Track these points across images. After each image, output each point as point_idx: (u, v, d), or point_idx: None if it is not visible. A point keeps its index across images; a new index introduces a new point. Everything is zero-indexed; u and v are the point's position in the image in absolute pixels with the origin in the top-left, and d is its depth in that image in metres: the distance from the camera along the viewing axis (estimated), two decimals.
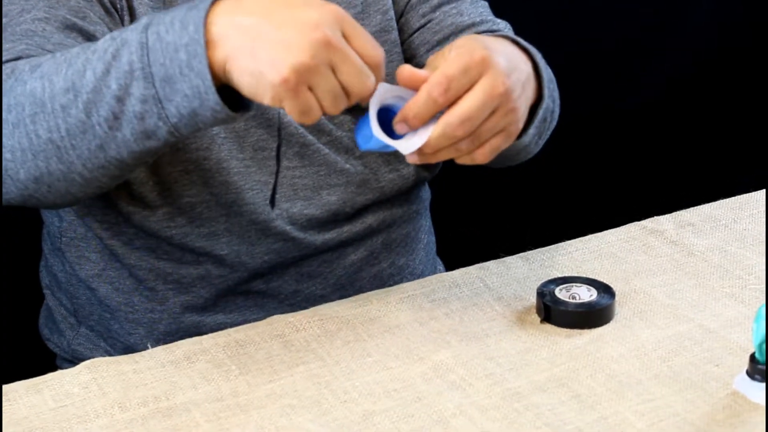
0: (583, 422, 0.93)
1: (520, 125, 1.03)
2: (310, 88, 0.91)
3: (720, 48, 2.15)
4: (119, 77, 0.94)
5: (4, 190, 1.03)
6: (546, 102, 1.11)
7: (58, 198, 1.04)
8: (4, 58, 1.04)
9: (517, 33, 1.22)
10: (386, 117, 0.98)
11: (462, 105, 0.96)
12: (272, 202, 1.19)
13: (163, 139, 0.97)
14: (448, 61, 0.97)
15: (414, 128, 0.97)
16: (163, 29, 0.93)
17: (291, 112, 0.92)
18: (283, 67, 0.89)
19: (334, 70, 0.91)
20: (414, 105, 0.96)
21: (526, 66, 1.05)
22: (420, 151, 0.99)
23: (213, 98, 0.93)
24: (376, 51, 0.93)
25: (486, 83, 0.97)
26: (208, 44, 0.91)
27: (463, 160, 1.01)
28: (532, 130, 1.11)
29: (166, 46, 0.93)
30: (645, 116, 2.13)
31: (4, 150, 1.00)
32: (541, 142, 1.20)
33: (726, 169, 2.16)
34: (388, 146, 0.98)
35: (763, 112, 2.15)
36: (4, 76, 1.01)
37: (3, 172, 1.01)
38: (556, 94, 1.19)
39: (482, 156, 1.00)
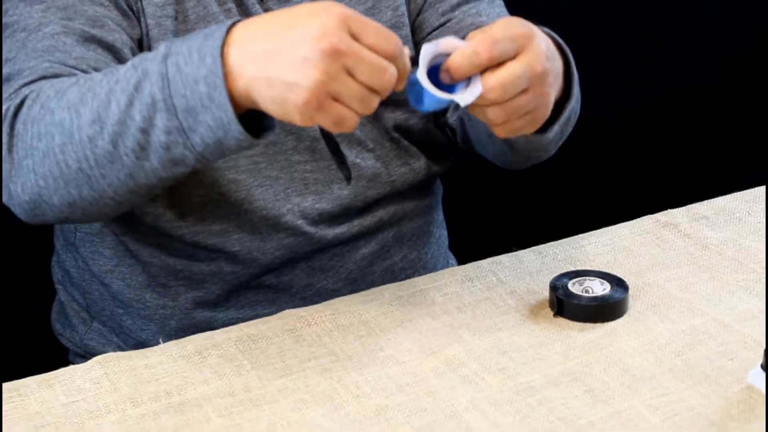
0: (597, 417, 0.93)
1: (547, 113, 1.03)
2: (336, 99, 0.91)
3: (735, 40, 2.14)
4: (142, 109, 0.95)
5: (40, 213, 1.05)
6: (573, 101, 1.11)
7: (93, 218, 1.07)
8: (29, 78, 1.05)
9: None
10: (434, 74, 0.97)
11: (502, 70, 0.96)
12: (348, 178, 1.20)
13: (191, 165, 0.98)
14: (495, 27, 0.97)
15: (455, 79, 0.97)
16: (181, 60, 0.94)
17: (326, 126, 0.92)
18: (300, 89, 0.90)
19: (351, 75, 0.91)
20: (458, 56, 0.96)
21: (558, 62, 1.05)
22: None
23: (236, 129, 0.93)
24: (389, 42, 0.92)
25: (527, 58, 0.97)
26: (226, 75, 0.92)
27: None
28: (556, 127, 1.11)
29: (185, 78, 0.93)
30: (659, 109, 2.13)
31: (37, 177, 1.02)
32: (559, 144, 1.20)
33: (740, 161, 2.16)
34: (442, 101, 0.97)
35: None
36: (29, 101, 1.02)
37: (38, 197, 1.03)
38: (579, 97, 1.19)
39: (501, 131, 1.00)
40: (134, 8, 1.14)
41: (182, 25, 1.15)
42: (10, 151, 1.02)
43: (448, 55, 0.97)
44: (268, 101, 0.92)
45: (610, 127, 2.06)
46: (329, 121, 0.92)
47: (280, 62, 0.90)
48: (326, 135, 1.20)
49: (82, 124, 0.98)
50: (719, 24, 2.13)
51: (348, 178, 1.21)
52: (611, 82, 2.05)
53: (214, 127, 0.94)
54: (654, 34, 2.10)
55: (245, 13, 1.18)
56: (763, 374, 0.95)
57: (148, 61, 0.96)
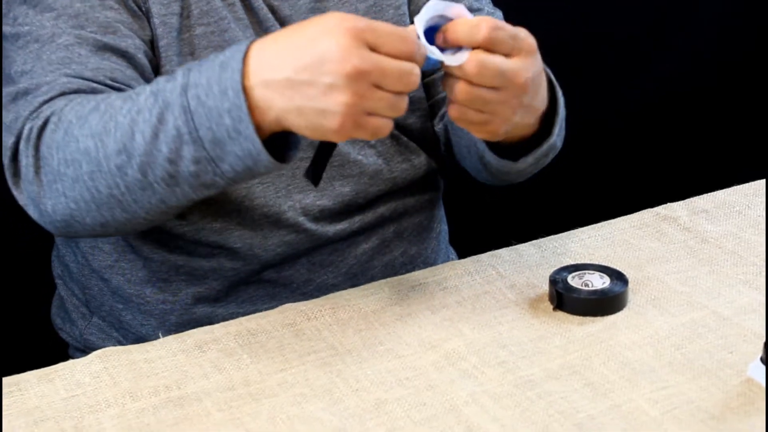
0: (596, 410, 0.93)
1: (501, 129, 1.02)
2: (369, 113, 0.92)
3: (735, 35, 2.14)
4: (168, 141, 0.96)
5: (73, 231, 1.06)
6: (553, 138, 1.12)
7: (125, 234, 1.11)
8: (48, 95, 1.06)
9: None
10: (429, 34, 0.98)
11: (490, 55, 0.97)
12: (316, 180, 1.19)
13: (222, 188, 0.99)
14: (505, 22, 0.99)
15: (448, 43, 0.97)
16: (202, 92, 0.94)
17: (364, 138, 0.94)
18: (333, 115, 0.91)
19: (379, 87, 0.91)
20: (461, 23, 0.97)
21: (541, 97, 1.05)
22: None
23: (265, 158, 0.94)
24: (406, 43, 0.92)
25: (516, 63, 0.98)
26: (252, 109, 0.93)
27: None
28: (530, 159, 1.13)
29: (209, 111, 0.94)
30: (659, 108, 2.13)
31: (68, 200, 1.03)
32: (533, 172, 1.20)
33: (739, 155, 2.15)
34: (430, 59, 0.97)
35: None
36: (51, 125, 1.03)
37: (70, 218, 1.04)
38: (563, 134, 1.18)
39: (455, 111, 1.00)
40: (143, 8, 1.14)
41: (186, 20, 1.15)
42: (37, 173, 1.03)
43: (449, 20, 0.97)
44: (302, 128, 0.93)
45: (610, 125, 2.06)
46: (367, 134, 0.93)
47: (307, 91, 0.91)
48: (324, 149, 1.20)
49: (108, 154, 0.99)
50: (719, 23, 2.13)
51: (316, 182, 1.20)
52: (611, 80, 2.05)
53: (243, 156, 0.95)
54: (654, 33, 2.10)
55: (248, 8, 1.18)
56: (763, 367, 0.95)
57: (168, 92, 0.96)
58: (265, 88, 0.92)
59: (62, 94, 1.06)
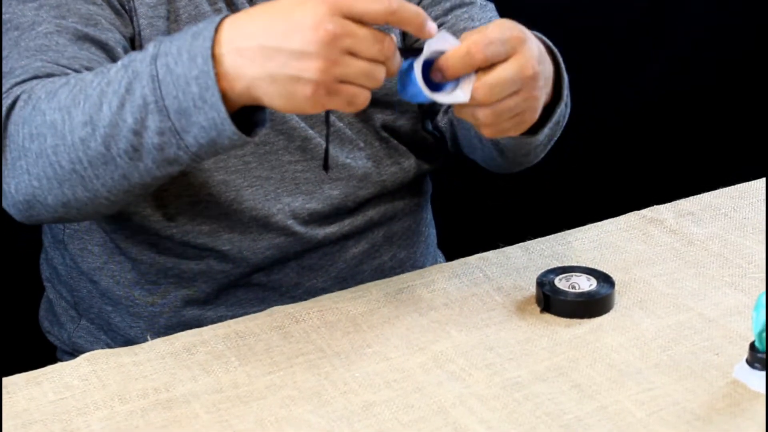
0: (583, 411, 0.93)
1: (535, 116, 1.03)
2: (343, 81, 0.91)
3: (719, 39, 2.14)
4: (134, 111, 0.95)
5: (35, 213, 1.05)
6: (562, 104, 1.12)
7: (88, 217, 1.07)
8: (21, 77, 1.05)
9: None
10: (426, 68, 0.98)
11: (493, 72, 0.97)
12: (326, 166, 1.19)
13: (185, 164, 0.98)
14: (489, 29, 0.98)
15: (448, 79, 0.97)
16: (171, 61, 0.93)
17: (339, 108, 0.92)
18: (305, 81, 0.90)
19: (353, 54, 0.91)
20: (452, 56, 0.96)
21: (549, 65, 1.05)
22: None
23: (230, 128, 0.93)
24: (382, 8, 0.91)
25: (518, 61, 0.98)
26: (222, 76, 0.92)
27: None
28: (546, 130, 1.12)
29: (176, 79, 0.93)
30: (644, 106, 2.13)
31: (30, 177, 1.01)
32: (548, 147, 1.21)
33: (726, 158, 2.16)
34: (428, 98, 0.97)
35: (763, 102, 2.15)
36: (21, 102, 1.02)
37: (32, 197, 1.03)
38: (569, 101, 1.19)
39: (489, 131, 1.01)
40: (126, 7, 1.14)
41: (174, 24, 1.15)
42: (2, 152, 1.02)
43: (439, 52, 0.97)
44: (274, 97, 0.91)
45: (595, 125, 2.06)
46: (341, 104, 0.92)
47: (279, 58, 0.90)
48: (328, 123, 1.19)
49: (74, 126, 0.97)
50: (717, 22, 2.13)
51: (326, 168, 1.19)
52: (607, 79, 2.05)
53: (207, 127, 0.94)
54: (652, 32, 2.10)
55: (236, 12, 1.18)
56: (748, 369, 0.96)
57: (138, 61, 0.96)
58: (237, 56, 0.91)
59: (35, 77, 1.05)
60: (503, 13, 1.29)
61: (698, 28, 2.11)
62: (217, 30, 0.93)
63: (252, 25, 0.92)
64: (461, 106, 0.99)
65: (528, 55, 0.98)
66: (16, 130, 1.01)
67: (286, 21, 0.90)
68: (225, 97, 0.92)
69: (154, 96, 0.94)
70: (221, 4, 1.17)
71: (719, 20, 2.13)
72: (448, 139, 1.32)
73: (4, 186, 1.03)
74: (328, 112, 1.18)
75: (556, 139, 1.20)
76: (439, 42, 0.97)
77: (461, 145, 1.29)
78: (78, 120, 0.97)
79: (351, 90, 0.91)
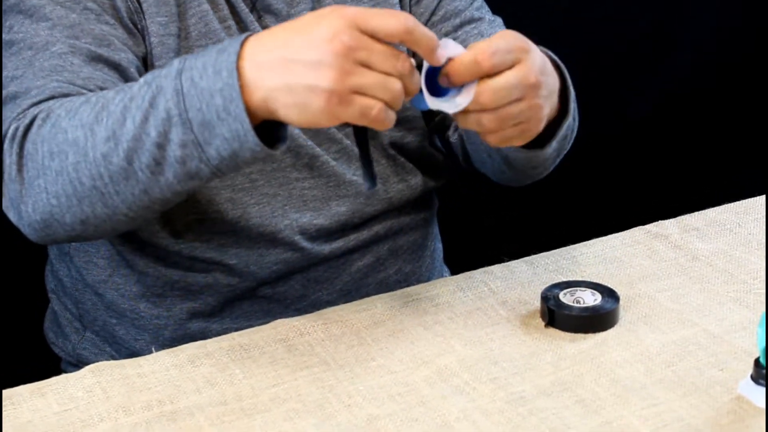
0: (587, 427, 0.93)
1: (539, 126, 1.04)
2: (357, 92, 0.92)
3: (722, 53, 2.15)
4: (157, 125, 0.95)
5: (51, 232, 1.05)
6: (570, 118, 1.12)
7: (104, 235, 1.07)
8: (37, 98, 1.06)
9: None
10: (433, 74, 0.99)
11: (497, 78, 0.98)
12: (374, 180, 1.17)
13: (206, 178, 0.98)
14: (495, 38, 0.99)
15: (454, 84, 0.98)
16: (196, 75, 0.94)
17: (354, 121, 0.93)
18: (320, 90, 0.91)
19: (368, 66, 0.92)
20: (458, 63, 0.97)
21: (554, 78, 1.06)
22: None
23: (252, 140, 0.94)
24: (398, 25, 0.92)
25: (521, 69, 0.99)
26: (243, 88, 0.93)
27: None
28: (554, 144, 1.13)
29: (201, 92, 0.94)
30: (649, 121, 2.13)
31: (49, 196, 1.02)
32: (557, 161, 1.21)
33: (731, 173, 2.16)
34: (429, 104, 0.98)
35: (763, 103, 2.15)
36: (39, 121, 1.02)
37: (49, 216, 1.03)
38: (577, 115, 1.19)
39: (493, 138, 1.02)
40: (139, 26, 1.15)
41: (184, 42, 1.16)
42: (19, 171, 1.03)
43: (448, 58, 0.98)
44: (289, 108, 0.92)
45: (601, 140, 2.06)
46: (355, 114, 0.92)
47: (296, 69, 0.91)
48: (359, 140, 1.19)
49: (96, 142, 0.98)
50: (718, 27, 2.13)
51: (372, 185, 1.17)
52: (603, 95, 2.05)
53: (230, 139, 0.94)
54: (654, 38, 2.10)
55: (245, 30, 1.19)
56: (753, 385, 0.96)
57: (162, 77, 0.97)
58: (257, 68, 0.93)
59: (52, 97, 1.06)
60: (511, 28, 1.30)
61: (703, 37, 2.12)
62: (242, 46, 0.94)
63: (273, 40, 0.93)
64: (466, 114, 1.00)
65: (531, 64, 0.99)
66: (35, 148, 1.02)
67: (304, 35, 0.92)
68: (248, 110, 0.93)
69: (177, 109, 0.95)
70: (231, 22, 1.18)
71: (722, 31, 2.13)
72: (459, 155, 1.32)
73: (22, 206, 1.04)
74: (364, 128, 1.17)
75: (565, 153, 1.20)
76: (443, 49, 0.97)
77: (472, 159, 1.30)
78: (101, 136, 0.98)
79: (364, 101, 0.92)
